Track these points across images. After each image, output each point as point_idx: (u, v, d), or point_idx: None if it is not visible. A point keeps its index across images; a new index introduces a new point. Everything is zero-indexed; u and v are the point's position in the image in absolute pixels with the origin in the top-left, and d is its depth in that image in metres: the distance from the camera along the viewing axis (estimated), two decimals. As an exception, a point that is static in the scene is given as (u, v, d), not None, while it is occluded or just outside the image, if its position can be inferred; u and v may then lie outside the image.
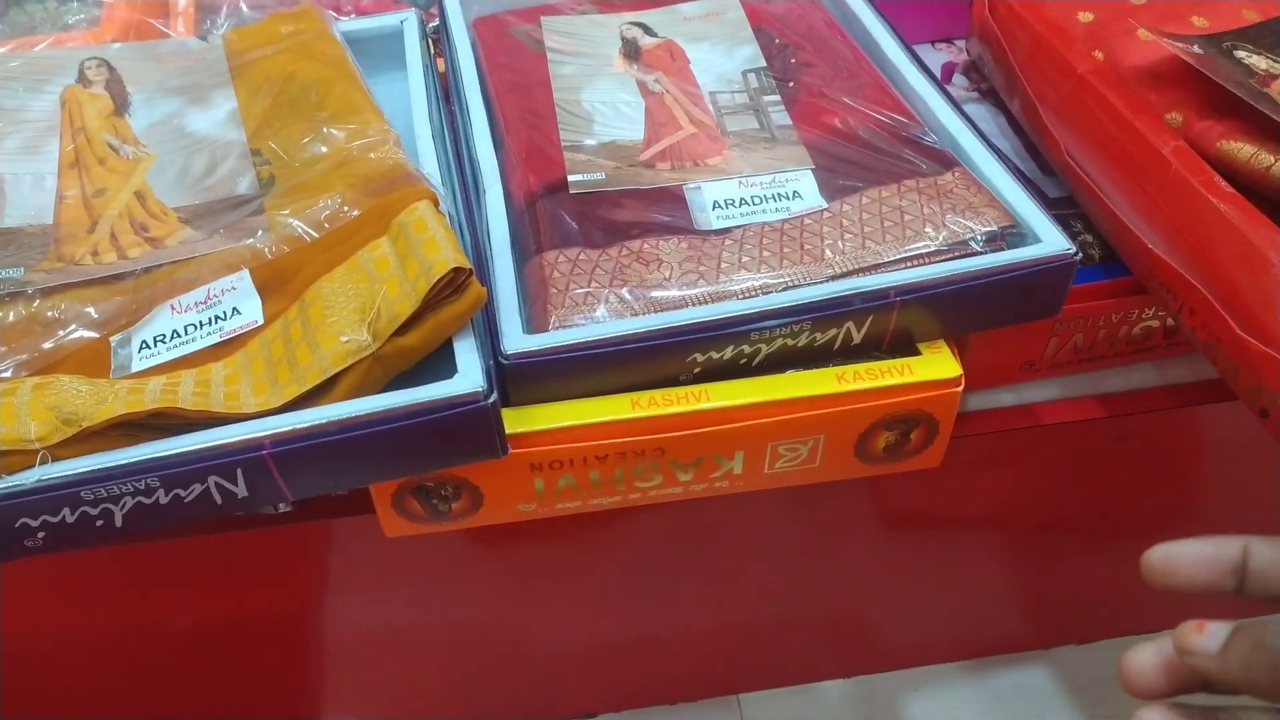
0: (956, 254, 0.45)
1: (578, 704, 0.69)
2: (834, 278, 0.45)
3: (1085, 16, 0.55)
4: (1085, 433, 0.54)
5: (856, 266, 0.45)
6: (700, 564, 0.60)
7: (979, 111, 0.62)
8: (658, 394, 0.44)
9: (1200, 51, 0.49)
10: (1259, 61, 0.49)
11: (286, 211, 0.47)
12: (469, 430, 0.40)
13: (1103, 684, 0.73)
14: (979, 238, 0.46)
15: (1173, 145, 0.47)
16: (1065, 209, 0.53)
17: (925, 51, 0.67)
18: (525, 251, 0.48)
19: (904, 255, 0.46)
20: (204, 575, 0.54)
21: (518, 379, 0.43)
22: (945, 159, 0.50)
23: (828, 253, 0.46)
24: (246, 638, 0.59)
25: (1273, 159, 0.45)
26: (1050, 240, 0.45)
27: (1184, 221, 0.45)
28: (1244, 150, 0.46)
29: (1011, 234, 0.46)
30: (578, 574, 0.59)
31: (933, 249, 0.46)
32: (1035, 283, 0.44)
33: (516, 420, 0.43)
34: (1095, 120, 0.50)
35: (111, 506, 0.38)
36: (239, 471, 0.39)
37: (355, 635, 0.60)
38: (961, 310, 0.45)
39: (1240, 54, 0.50)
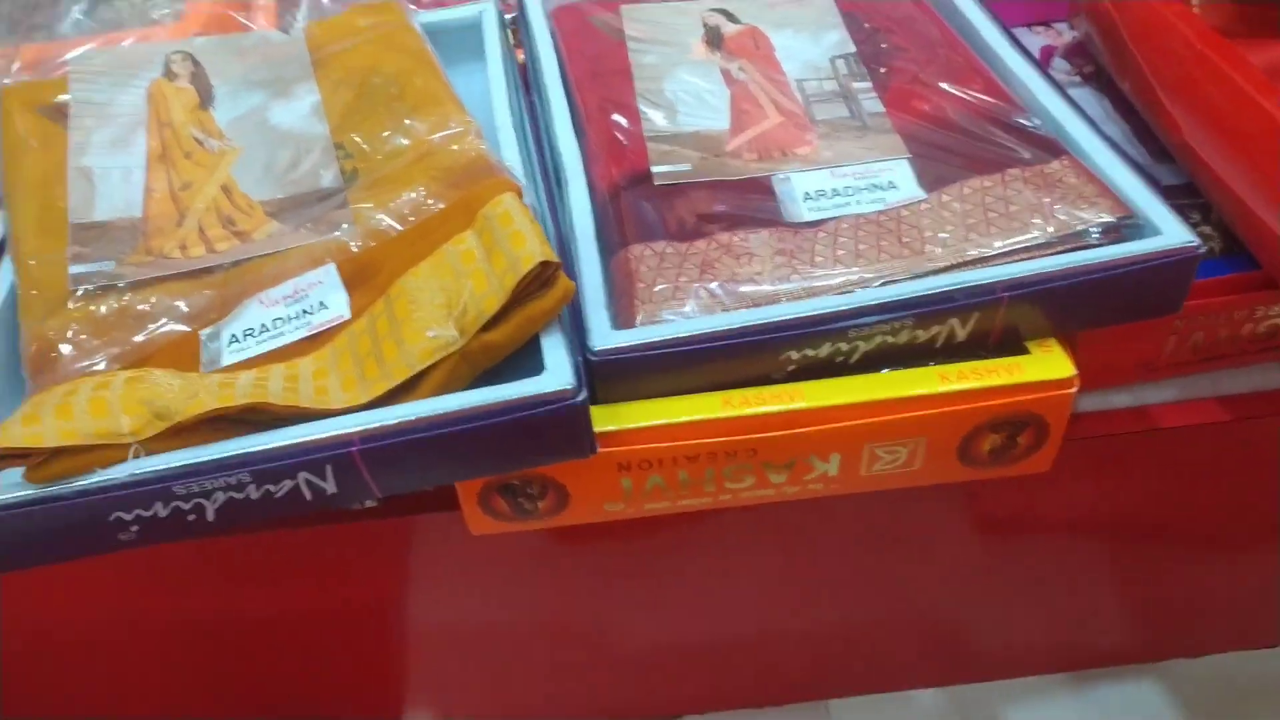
0: (1068, 247, 0.43)
1: (662, 705, 0.68)
2: (936, 272, 0.43)
3: None
4: (1205, 437, 0.50)
5: (960, 260, 0.43)
6: (790, 566, 0.58)
7: (1082, 96, 0.59)
8: (750, 393, 0.42)
9: None
10: None
11: (370, 205, 0.47)
12: (558, 429, 0.39)
13: (1216, 699, 0.69)
14: (1093, 230, 0.43)
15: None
16: (1181, 198, 0.50)
17: (1023, 35, 0.64)
18: (610, 245, 0.47)
19: (1011, 248, 0.43)
20: (286, 570, 0.54)
21: (605, 376, 0.42)
22: (1051, 146, 0.48)
23: (928, 246, 0.44)
24: (329, 634, 0.59)
25: None
26: (1171, 232, 0.42)
27: (1319, 211, 0.42)
28: None
29: (1128, 225, 0.43)
30: (664, 574, 0.57)
31: (1042, 241, 0.43)
32: (1155, 278, 0.42)
33: (604, 418, 0.42)
34: (1217, 97, 0.47)
35: (204, 501, 0.38)
36: (328, 468, 0.38)
37: (437, 633, 0.60)
38: (1075, 307, 0.42)
39: None
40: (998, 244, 0.43)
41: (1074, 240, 0.43)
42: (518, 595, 0.57)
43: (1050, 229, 0.43)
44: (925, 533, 0.56)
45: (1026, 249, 0.43)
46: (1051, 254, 0.43)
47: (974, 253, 0.43)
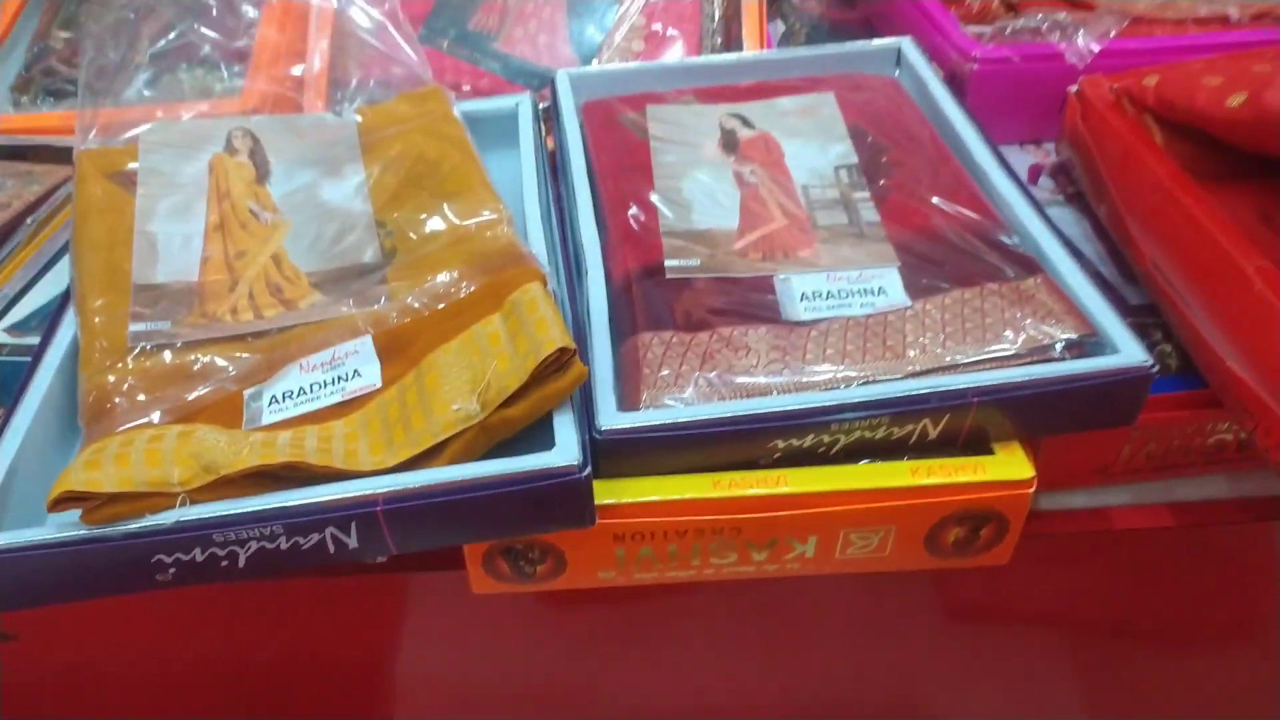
0: (1035, 359, 0.47)
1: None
2: (913, 375, 0.47)
3: (1213, 80, 0.54)
4: (1157, 540, 0.54)
5: (936, 365, 0.47)
6: (766, 640, 0.61)
7: (1064, 215, 0.63)
8: (738, 476, 0.47)
9: None
10: None
11: (407, 283, 0.51)
12: (563, 500, 0.43)
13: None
14: (1058, 344, 0.47)
15: (1257, 264, 0.48)
16: (1146, 317, 0.55)
17: (1013, 153, 0.69)
18: (621, 330, 0.51)
19: (983, 357, 0.47)
20: (293, 617, 0.58)
21: (609, 454, 0.46)
22: (1029, 264, 0.52)
23: (909, 350, 0.48)
24: (331, 681, 0.63)
25: None
26: (1128, 351, 0.46)
27: (1265, 342, 0.46)
28: None
29: (1090, 342, 0.48)
30: (645, 641, 0.61)
31: (1011, 353, 0.47)
32: (1111, 392, 0.46)
33: (604, 492, 0.46)
34: (1180, 233, 0.52)
35: (238, 549, 0.42)
36: (353, 524, 0.42)
37: (434, 686, 0.63)
38: (1037, 414, 0.46)
39: None
40: (971, 353, 0.48)
41: (1041, 353, 0.47)
42: (507, 655, 0.60)
43: (1020, 341, 0.48)
44: (896, 617, 0.60)
45: (997, 359, 0.47)
46: (1019, 365, 0.47)
47: (949, 359, 0.48)
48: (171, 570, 0.43)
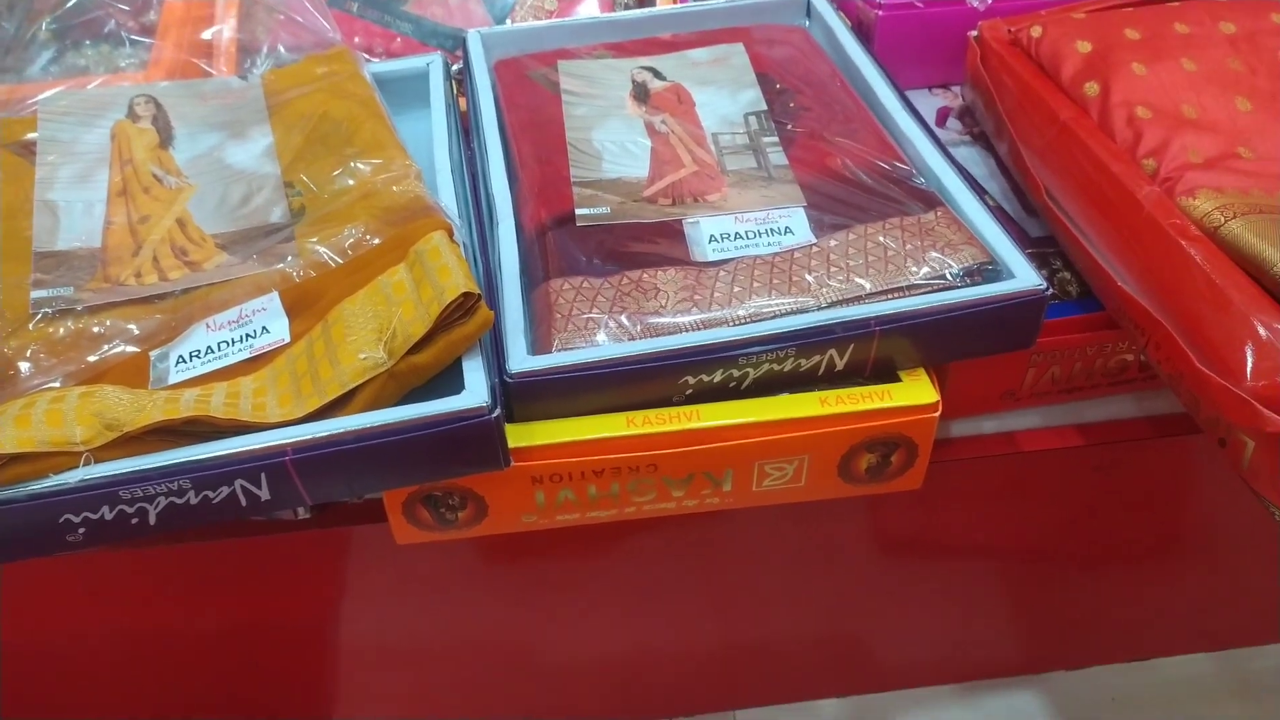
0: (935, 288, 0.48)
1: (577, 712, 0.72)
2: (819, 308, 0.48)
3: (1084, 46, 0.57)
4: (1065, 460, 0.56)
5: (841, 298, 0.48)
6: (700, 580, 0.62)
7: (971, 154, 0.65)
8: (652, 413, 0.47)
9: None
10: None
11: (315, 239, 0.51)
12: (474, 442, 0.43)
13: (1093, 709, 0.74)
14: (956, 272, 0.48)
15: (1146, 190, 0.50)
16: (1047, 247, 0.56)
17: (924, 96, 0.70)
18: (534, 279, 0.52)
19: (886, 288, 0.49)
20: (222, 580, 0.58)
21: (521, 397, 0.46)
22: (930, 199, 0.53)
23: (814, 284, 0.49)
24: (261, 641, 0.62)
25: (1222, 219, 0.47)
26: (1023, 276, 0.48)
27: (1153, 261, 0.48)
28: (1198, 209, 0.48)
29: (988, 270, 0.49)
30: (580, 587, 0.61)
31: (913, 283, 0.49)
32: (1008, 316, 0.47)
33: (519, 435, 0.46)
34: (1074, 165, 0.53)
35: (146, 506, 0.42)
36: (263, 476, 0.42)
37: (365, 641, 0.63)
38: (938, 340, 0.48)
39: None
40: (875, 284, 0.49)
41: (940, 282, 0.48)
42: (439, 606, 0.61)
43: (921, 272, 0.49)
44: (824, 550, 0.61)
45: (899, 289, 0.49)
46: (920, 294, 0.48)
47: (854, 292, 0.49)
48: (81, 530, 0.42)
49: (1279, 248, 0.44)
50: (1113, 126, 0.53)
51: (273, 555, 0.56)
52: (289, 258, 0.51)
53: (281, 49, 0.69)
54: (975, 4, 0.66)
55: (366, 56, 0.69)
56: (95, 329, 0.48)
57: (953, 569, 0.64)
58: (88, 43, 0.73)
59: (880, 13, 0.67)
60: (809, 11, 0.71)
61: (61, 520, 0.42)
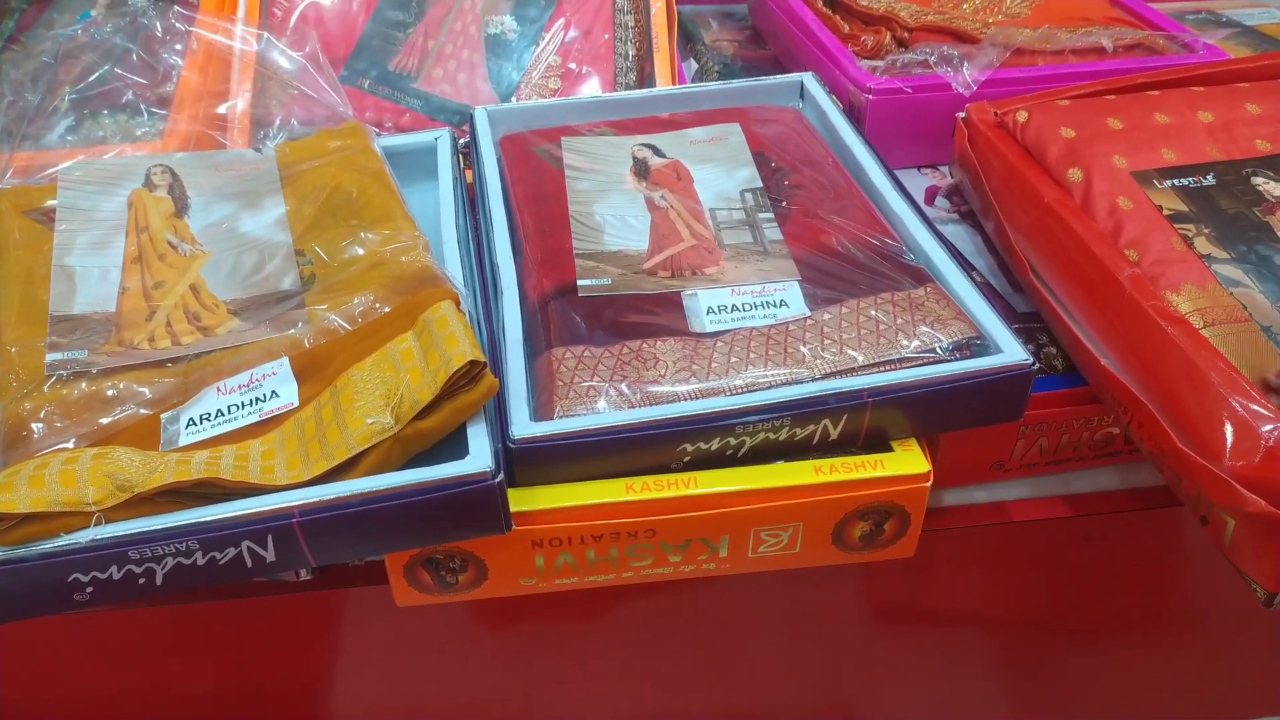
0: (925, 361, 0.50)
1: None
2: (813, 379, 0.50)
3: (1068, 133, 0.60)
4: (1055, 530, 0.57)
5: (834, 370, 0.50)
6: (695, 645, 0.63)
7: (959, 232, 0.67)
8: (650, 480, 0.48)
9: (1214, 181, 0.54)
10: (1274, 188, 0.54)
11: (325, 306, 0.53)
12: (477, 507, 0.44)
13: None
14: (946, 347, 0.50)
15: (1128, 272, 0.52)
16: (1033, 323, 0.58)
17: (913, 175, 0.73)
18: (536, 347, 0.53)
19: (878, 360, 0.50)
20: (223, 640, 0.58)
21: (524, 462, 0.47)
22: (919, 275, 0.55)
23: (808, 356, 0.51)
24: (261, 701, 0.62)
25: (1201, 323, 0.48)
26: (1010, 351, 0.49)
27: (1134, 341, 0.50)
28: (1182, 306, 0.50)
29: (976, 345, 0.51)
30: (577, 651, 0.62)
31: (904, 356, 0.50)
32: (996, 389, 0.49)
33: (520, 500, 0.47)
34: (1058, 245, 0.56)
35: (154, 566, 0.43)
36: (269, 537, 0.43)
37: (364, 702, 0.63)
38: (929, 412, 0.49)
39: (1258, 180, 0.55)
40: (867, 356, 0.50)
41: (930, 355, 0.50)
42: (437, 669, 0.61)
43: (912, 345, 0.51)
44: (818, 618, 0.62)
45: (890, 361, 0.50)
46: (911, 367, 0.50)
47: (846, 364, 0.50)
48: (89, 589, 0.43)
49: (1245, 367, 0.46)
50: (1095, 214, 0.55)
51: (274, 616, 0.56)
52: (299, 324, 0.52)
53: (295, 122, 0.72)
54: (961, 89, 0.69)
55: (377, 131, 0.72)
56: (108, 391, 0.49)
57: (945, 637, 0.65)
58: (105, 112, 0.75)
59: (871, 96, 0.70)
60: (802, 94, 0.74)
61: (70, 579, 0.42)
